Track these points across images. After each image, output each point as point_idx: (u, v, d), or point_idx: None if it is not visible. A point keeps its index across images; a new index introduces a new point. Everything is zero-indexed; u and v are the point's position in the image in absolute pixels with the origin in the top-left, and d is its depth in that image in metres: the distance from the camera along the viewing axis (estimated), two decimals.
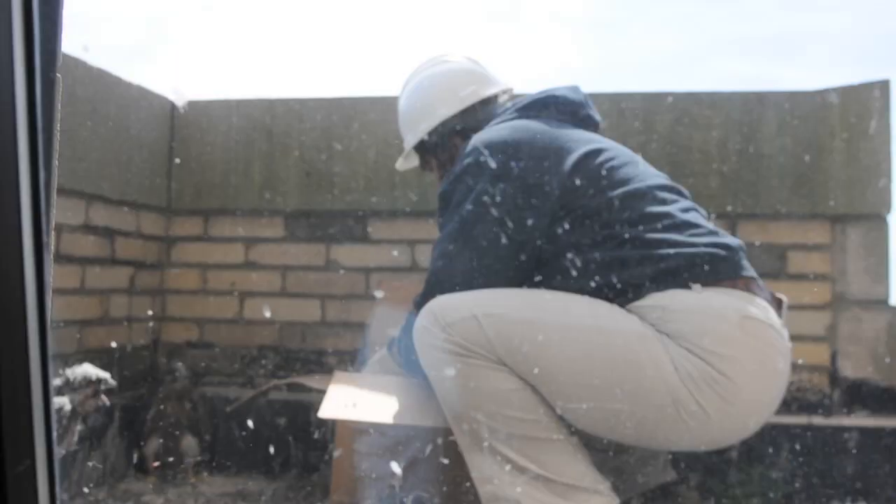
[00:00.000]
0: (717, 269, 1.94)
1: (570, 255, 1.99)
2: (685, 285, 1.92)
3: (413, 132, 2.50)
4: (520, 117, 2.20)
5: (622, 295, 1.96)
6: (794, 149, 3.11)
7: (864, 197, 3.04)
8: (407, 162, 2.64)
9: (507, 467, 1.93)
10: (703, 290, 1.92)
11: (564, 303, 1.98)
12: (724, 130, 3.15)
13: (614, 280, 1.96)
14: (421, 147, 2.51)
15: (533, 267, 2.03)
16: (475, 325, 1.94)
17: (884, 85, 3.02)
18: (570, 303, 1.98)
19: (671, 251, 1.94)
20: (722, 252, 1.95)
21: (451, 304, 2.00)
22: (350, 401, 2.55)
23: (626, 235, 1.97)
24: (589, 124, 2.27)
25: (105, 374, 2.21)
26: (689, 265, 1.93)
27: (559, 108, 2.23)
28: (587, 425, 1.97)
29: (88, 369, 2.17)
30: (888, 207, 3.02)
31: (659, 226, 1.98)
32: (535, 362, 1.91)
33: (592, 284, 1.97)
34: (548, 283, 2.02)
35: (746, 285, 1.96)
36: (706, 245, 1.95)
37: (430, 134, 2.45)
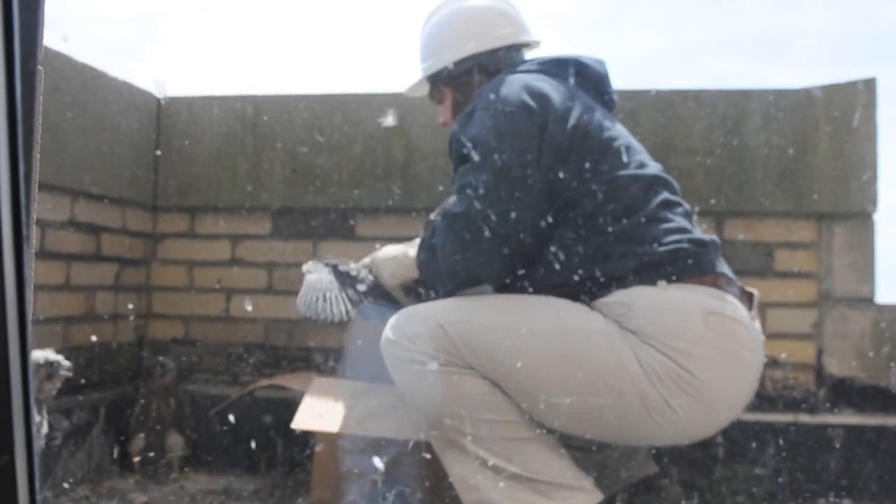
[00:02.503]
0: (683, 266, 1.95)
1: (552, 248, 1.99)
2: (651, 282, 1.93)
3: (436, 58, 2.39)
4: (544, 73, 2.17)
5: (587, 291, 1.98)
6: (780, 146, 3.11)
7: (849, 195, 3.05)
8: (415, 90, 2.54)
9: (487, 470, 1.93)
10: (668, 287, 1.93)
11: (528, 306, 2.00)
12: (708, 126, 3.16)
13: (579, 276, 1.97)
14: (437, 76, 2.41)
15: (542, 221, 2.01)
16: (441, 333, 1.96)
17: (869, 83, 3.03)
18: (533, 305, 2.00)
19: (637, 248, 1.95)
20: (689, 248, 1.96)
21: (416, 317, 2.03)
22: (324, 410, 2.54)
23: (596, 230, 1.98)
24: (608, 102, 2.27)
25: (57, 357, 2.13)
26: (656, 262, 1.94)
27: (583, 75, 2.22)
28: (558, 425, 1.98)
29: (37, 354, 2.11)
30: (874, 205, 3.03)
31: (626, 222, 1.98)
32: (503, 366, 1.93)
33: (557, 280, 1.99)
34: (528, 273, 2.04)
35: (714, 281, 1.97)
36: (673, 242, 1.96)
37: (456, 64, 2.36)
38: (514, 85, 2.07)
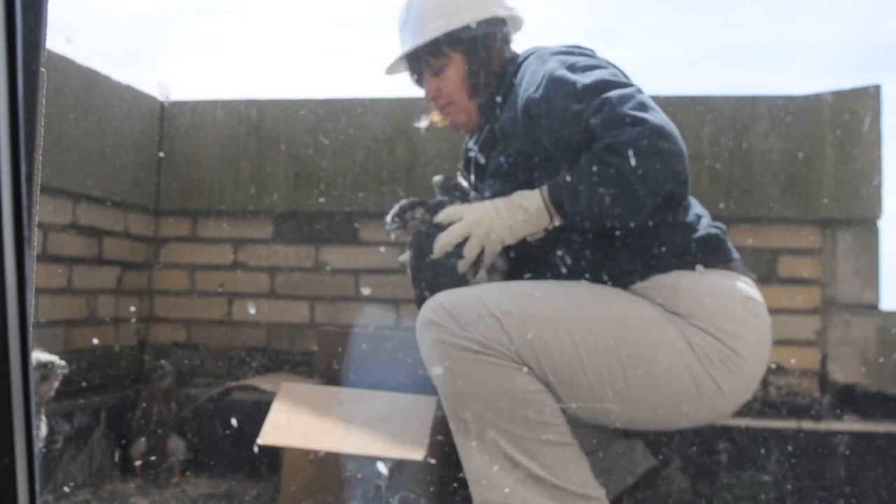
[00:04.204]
0: (715, 252, 2.01)
1: (589, 235, 1.97)
2: (690, 267, 1.97)
3: (451, 17, 2.18)
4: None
5: (627, 276, 1.98)
6: (786, 151, 3.11)
7: (854, 201, 3.05)
8: (394, 68, 2.34)
9: (515, 470, 1.88)
10: (705, 272, 1.98)
11: (576, 295, 1.96)
12: (716, 131, 3.15)
13: (621, 261, 1.97)
14: (449, 38, 2.18)
15: None
16: (495, 324, 1.89)
17: (874, 90, 3.03)
18: (581, 294, 1.96)
19: (676, 233, 1.98)
20: (719, 234, 2.03)
21: (466, 302, 1.92)
22: (291, 421, 2.50)
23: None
24: None
25: (52, 358, 2.08)
26: (692, 248, 1.98)
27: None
28: (610, 419, 1.97)
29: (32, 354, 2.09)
30: (879, 212, 3.02)
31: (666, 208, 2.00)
32: (558, 360, 1.89)
33: (597, 266, 1.97)
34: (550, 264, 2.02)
35: (736, 266, 2.03)
36: (704, 228, 2.02)
37: (480, 24, 2.17)
38: (577, 48, 2.04)
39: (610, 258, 1.98)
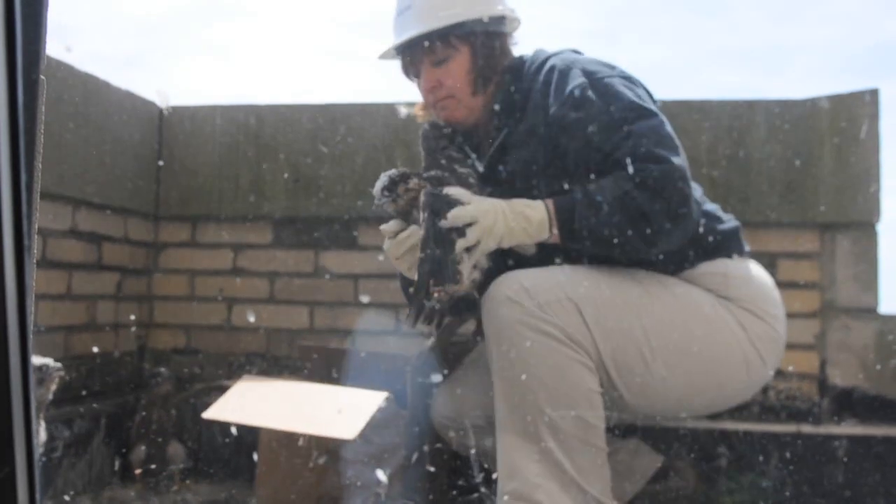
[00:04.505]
0: (740, 241, 2.17)
1: None
2: (728, 255, 2.11)
3: (465, 7, 2.11)
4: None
5: (679, 264, 2.06)
6: (784, 157, 3.11)
7: (853, 205, 3.05)
8: (388, 54, 2.25)
9: (549, 468, 1.86)
10: (740, 260, 2.14)
11: (642, 281, 2.01)
12: (713, 137, 3.15)
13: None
14: (458, 28, 2.10)
15: None
16: (574, 311, 1.88)
17: (873, 93, 3.03)
18: (647, 280, 2.02)
19: (716, 224, 2.10)
20: (740, 225, 2.19)
21: (542, 284, 1.89)
22: (244, 403, 2.56)
23: None
24: None
25: (47, 360, 2.05)
26: (727, 238, 2.12)
27: None
28: (660, 408, 2.12)
29: None
30: (877, 216, 3.02)
31: (705, 200, 2.14)
32: (625, 347, 1.93)
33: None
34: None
35: (750, 256, 2.21)
36: (730, 220, 2.17)
37: (492, 20, 2.13)
38: (604, 64, 2.05)
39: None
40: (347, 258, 3.40)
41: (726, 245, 2.11)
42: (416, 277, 1.90)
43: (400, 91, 3.87)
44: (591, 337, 1.88)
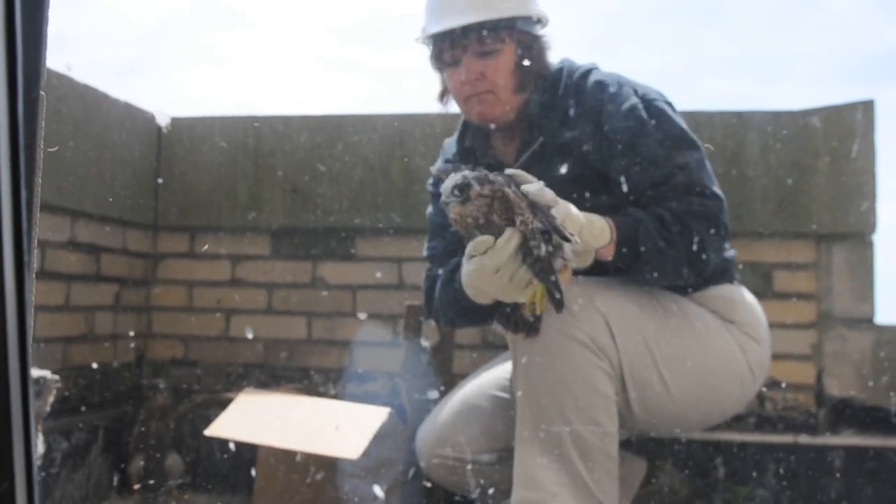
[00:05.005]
0: (735, 269, 2.27)
1: None
2: (729, 281, 2.20)
3: (520, 3, 2.06)
4: None
5: (691, 285, 2.11)
6: (778, 168, 3.11)
7: (848, 216, 3.05)
8: (423, 40, 2.15)
9: (566, 476, 1.86)
10: (738, 286, 2.24)
11: (658, 298, 2.06)
12: (709, 148, 3.16)
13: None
14: (512, 23, 2.04)
15: None
16: (602, 321, 1.91)
17: (867, 105, 3.04)
18: (661, 298, 2.06)
19: (719, 250, 2.11)
20: (736, 254, 2.29)
21: (573, 292, 1.86)
22: (247, 420, 2.55)
23: None
24: None
25: (44, 372, 2.02)
26: (732, 264, 2.24)
27: None
28: (663, 425, 2.17)
29: None
30: (873, 226, 3.03)
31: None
32: (647, 362, 1.97)
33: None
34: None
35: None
36: (727, 249, 2.21)
37: (541, 22, 2.12)
38: (651, 88, 2.14)
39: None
40: (345, 269, 3.41)
41: (729, 271, 2.21)
42: (519, 284, 1.74)
43: (398, 102, 3.87)
44: (616, 348, 1.92)
